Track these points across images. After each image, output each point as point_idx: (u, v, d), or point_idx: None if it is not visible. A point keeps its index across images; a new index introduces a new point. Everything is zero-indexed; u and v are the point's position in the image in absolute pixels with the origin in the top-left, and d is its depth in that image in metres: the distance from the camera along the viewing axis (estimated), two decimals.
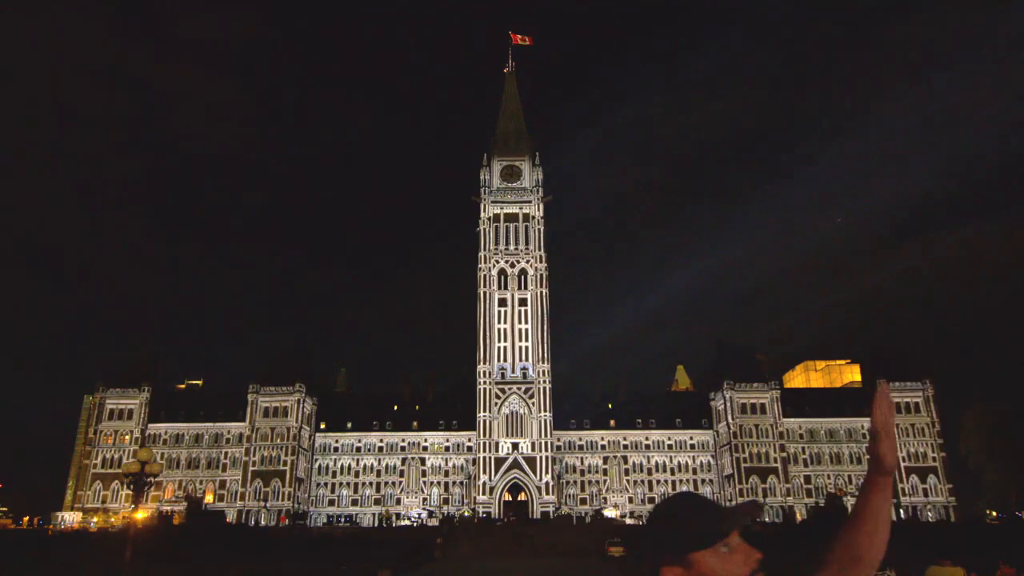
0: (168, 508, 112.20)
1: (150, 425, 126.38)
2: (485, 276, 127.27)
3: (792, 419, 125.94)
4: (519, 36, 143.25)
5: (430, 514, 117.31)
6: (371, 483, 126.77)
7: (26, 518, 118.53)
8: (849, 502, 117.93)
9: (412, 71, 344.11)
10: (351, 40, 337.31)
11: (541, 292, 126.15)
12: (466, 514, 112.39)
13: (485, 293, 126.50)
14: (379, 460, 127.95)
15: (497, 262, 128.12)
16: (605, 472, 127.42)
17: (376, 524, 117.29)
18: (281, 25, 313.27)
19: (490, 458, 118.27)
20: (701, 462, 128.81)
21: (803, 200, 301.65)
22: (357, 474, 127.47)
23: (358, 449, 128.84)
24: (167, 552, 59.09)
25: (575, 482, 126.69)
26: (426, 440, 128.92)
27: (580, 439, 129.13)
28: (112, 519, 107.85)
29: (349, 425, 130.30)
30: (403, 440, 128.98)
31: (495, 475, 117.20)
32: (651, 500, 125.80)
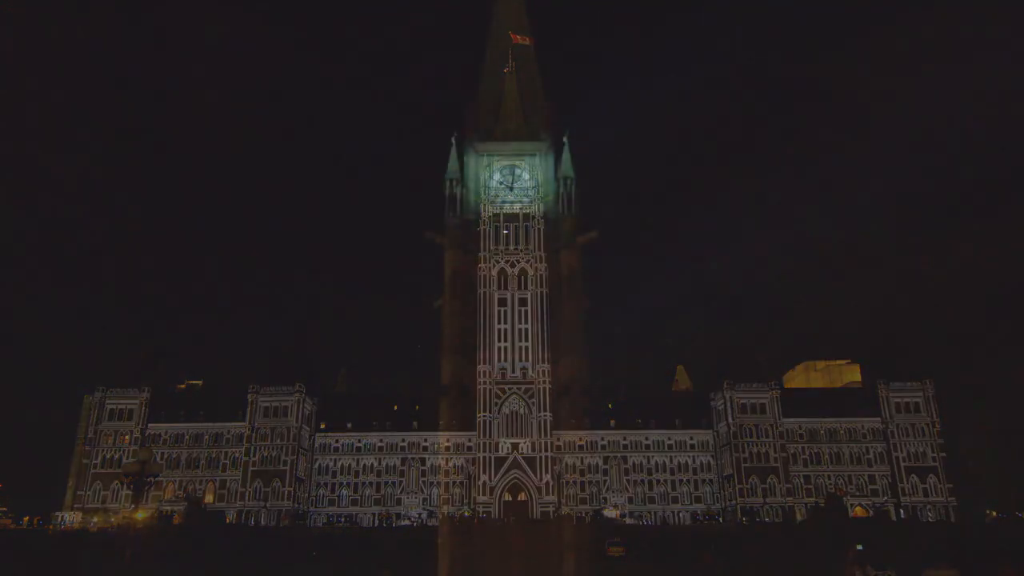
0: (168, 508, 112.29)
1: (150, 425, 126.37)
2: (485, 276, 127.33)
3: (792, 419, 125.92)
4: (519, 36, 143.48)
5: (430, 514, 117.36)
6: (371, 483, 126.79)
7: (26, 518, 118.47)
8: (849, 502, 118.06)
9: (411, 71, 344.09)
10: (351, 38, 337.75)
11: (541, 292, 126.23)
12: (466, 514, 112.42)
13: (485, 293, 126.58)
14: (379, 460, 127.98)
15: (497, 262, 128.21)
16: (605, 472, 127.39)
17: (376, 524, 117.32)
18: (282, 28, 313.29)
19: (490, 458, 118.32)
20: (701, 462, 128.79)
21: (804, 199, 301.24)
22: (357, 474, 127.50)
23: (358, 449, 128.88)
24: (167, 552, 59.15)
25: (575, 482, 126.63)
26: (426, 440, 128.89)
27: (580, 439, 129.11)
28: (112, 519, 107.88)
29: (349, 425, 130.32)
30: (403, 440, 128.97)
31: (495, 475, 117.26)
32: (651, 500, 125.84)
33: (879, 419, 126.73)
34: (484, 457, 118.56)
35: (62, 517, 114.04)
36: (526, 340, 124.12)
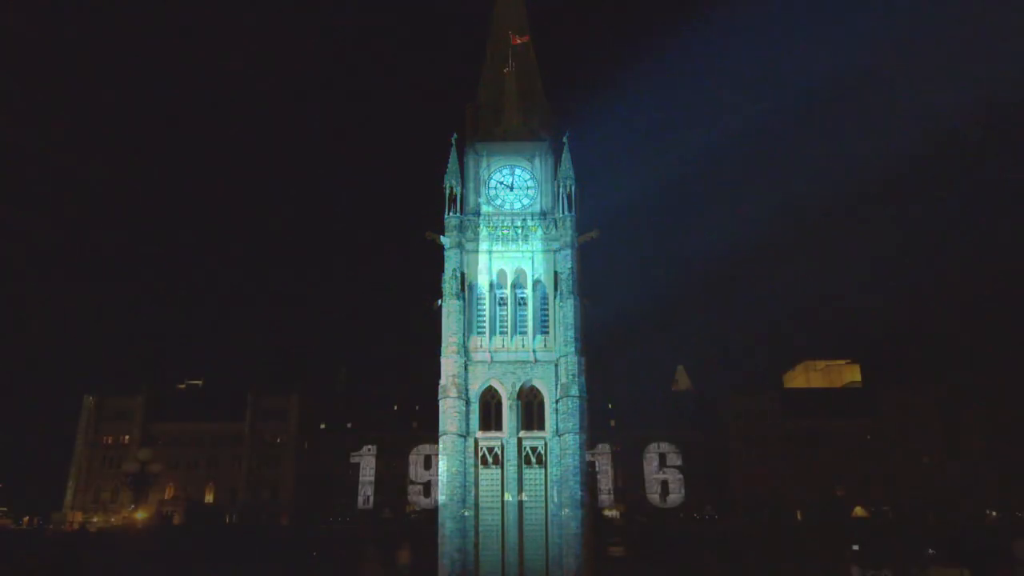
0: (168, 508, 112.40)
1: (150, 425, 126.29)
2: None
3: (792, 420, 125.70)
4: (518, 37, 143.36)
5: None
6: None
7: (26, 518, 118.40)
8: (848, 502, 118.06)
9: (411, 71, 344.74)
10: (352, 37, 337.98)
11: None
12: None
13: None
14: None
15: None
16: (605, 472, 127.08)
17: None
18: (280, 27, 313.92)
19: None
20: (701, 461, 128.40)
21: (802, 198, 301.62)
22: None
23: None
24: (167, 552, 59.20)
25: None
26: None
27: None
28: (112, 519, 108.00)
29: (349, 426, 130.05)
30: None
31: None
32: (652, 499, 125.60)
33: (878, 419, 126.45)
34: None
35: (62, 517, 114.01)
36: None
